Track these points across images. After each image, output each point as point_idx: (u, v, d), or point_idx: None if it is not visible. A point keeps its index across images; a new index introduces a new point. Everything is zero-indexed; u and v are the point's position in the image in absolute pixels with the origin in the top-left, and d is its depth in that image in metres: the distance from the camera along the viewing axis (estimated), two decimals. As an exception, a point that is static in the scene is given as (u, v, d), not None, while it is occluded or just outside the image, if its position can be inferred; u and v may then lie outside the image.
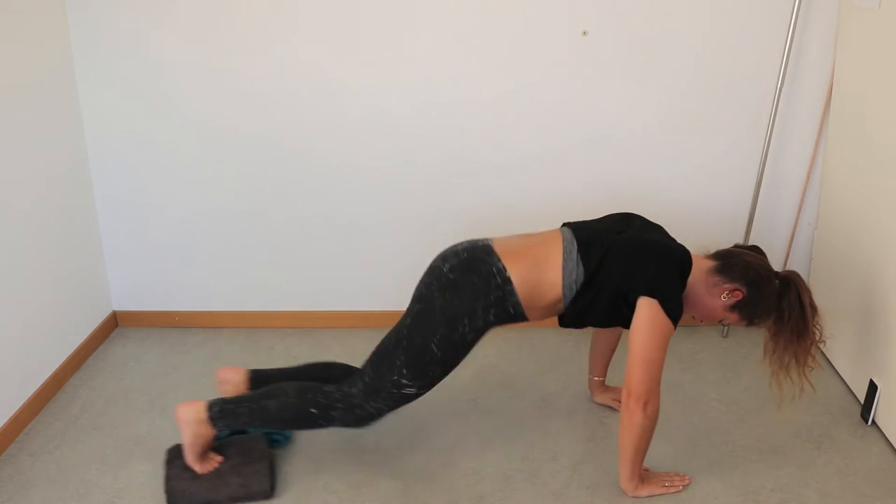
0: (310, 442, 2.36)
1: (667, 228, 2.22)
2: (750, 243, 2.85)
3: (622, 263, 2.03)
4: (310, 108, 2.80)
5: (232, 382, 2.27)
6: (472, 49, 2.73)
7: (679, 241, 2.16)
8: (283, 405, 2.08)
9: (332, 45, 2.73)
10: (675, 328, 2.01)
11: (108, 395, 2.64)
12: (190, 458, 2.14)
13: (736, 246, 2.23)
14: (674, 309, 2.00)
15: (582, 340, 2.87)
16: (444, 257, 2.13)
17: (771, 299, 2.08)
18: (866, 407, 2.45)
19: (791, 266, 2.97)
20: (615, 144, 2.85)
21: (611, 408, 2.52)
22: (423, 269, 2.32)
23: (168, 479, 2.15)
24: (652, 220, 2.25)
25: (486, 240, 2.14)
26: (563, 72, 2.76)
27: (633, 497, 2.12)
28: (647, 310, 1.99)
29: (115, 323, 3.09)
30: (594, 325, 2.18)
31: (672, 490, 2.14)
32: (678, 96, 2.79)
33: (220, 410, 2.11)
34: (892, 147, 2.30)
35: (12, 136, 2.42)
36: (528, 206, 2.92)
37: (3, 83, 2.36)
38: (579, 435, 2.41)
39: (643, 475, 2.14)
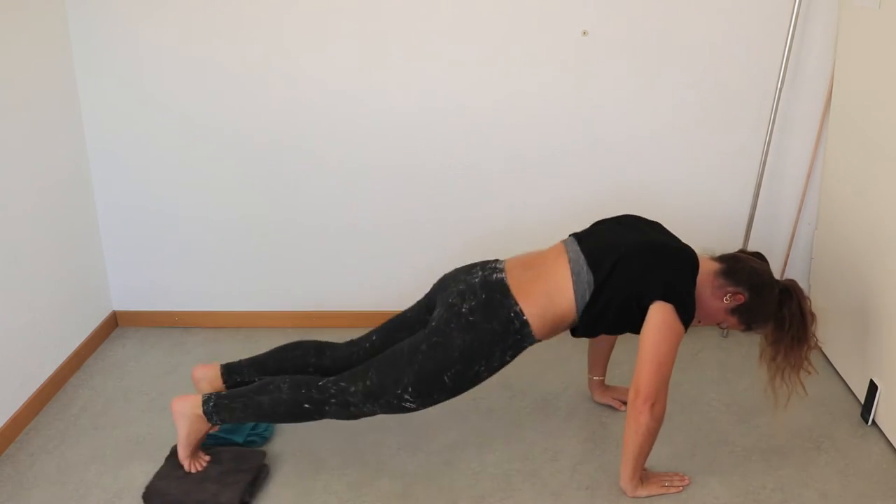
0: (310, 442, 2.36)
1: (667, 229, 2.23)
2: (750, 243, 2.87)
3: (634, 269, 2.04)
4: (311, 110, 2.80)
5: (207, 379, 2.30)
6: (472, 51, 2.73)
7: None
8: (276, 401, 2.11)
9: (336, 47, 2.73)
10: (686, 331, 2.04)
11: (108, 395, 2.65)
12: (182, 452, 2.16)
13: (741, 251, 2.25)
14: (687, 313, 2.03)
15: (582, 340, 2.86)
16: (461, 294, 2.10)
17: (770, 306, 2.11)
18: (866, 407, 2.45)
19: (791, 266, 2.97)
20: (615, 144, 2.84)
21: (611, 407, 2.52)
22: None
23: (156, 475, 2.17)
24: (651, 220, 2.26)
25: (499, 270, 2.12)
26: (562, 72, 2.75)
27: (633, 497, 2.13)
28: (661, 313, 2.00)
29: (115, 323, 3.09)
30: (606, 332, 2.19)
31: (672, 490, 2.15)
32: (678, 97, 2.78)
33: (216, 405, 2.13)
34: (892, 147, 2.30)
35: (12, 136, 2.42)
36: (530, 206, 2.91)
37: (3, 84, 2.37)
38: (579, 435, 2.41)
39: (643, 475, 2.14)
